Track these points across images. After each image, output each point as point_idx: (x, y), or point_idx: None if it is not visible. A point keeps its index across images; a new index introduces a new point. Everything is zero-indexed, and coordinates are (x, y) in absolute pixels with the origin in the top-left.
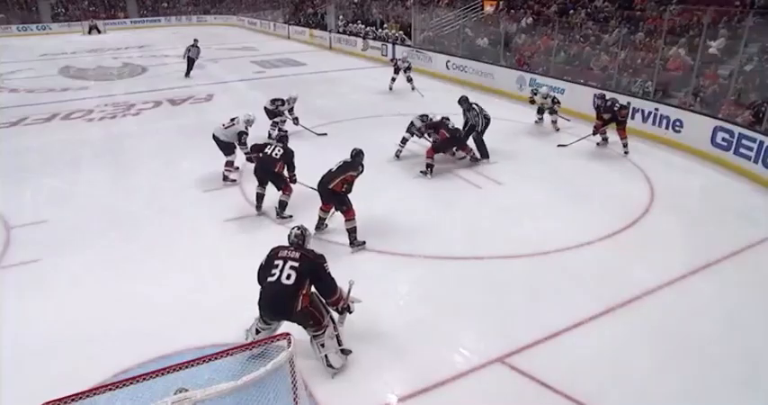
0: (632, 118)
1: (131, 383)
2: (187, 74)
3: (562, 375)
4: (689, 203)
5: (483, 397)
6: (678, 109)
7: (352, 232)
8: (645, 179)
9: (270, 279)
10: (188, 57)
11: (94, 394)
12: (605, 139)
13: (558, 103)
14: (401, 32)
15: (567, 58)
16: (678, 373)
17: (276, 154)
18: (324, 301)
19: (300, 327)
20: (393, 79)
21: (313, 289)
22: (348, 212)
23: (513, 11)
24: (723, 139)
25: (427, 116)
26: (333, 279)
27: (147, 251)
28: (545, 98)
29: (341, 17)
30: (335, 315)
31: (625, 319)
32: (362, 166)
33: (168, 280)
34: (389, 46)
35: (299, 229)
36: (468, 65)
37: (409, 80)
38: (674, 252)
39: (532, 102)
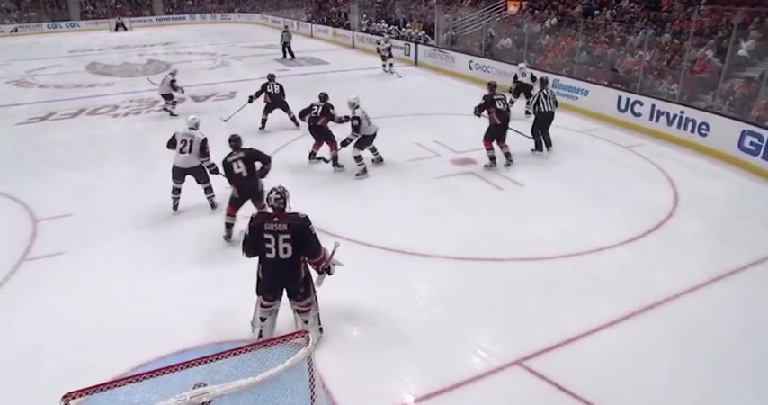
0: (656, 121)
1: (151, 377)
2: (287, 56)
3: (580, 379)
4: (714, 208)
5: (500, 399)
6: (704, 112)
7: (335, 158)
8: (669, 183)
9: (268, 256)
10: (284, 43)
11: (115, 386)
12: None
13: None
14: (423, 32)
15: (590, 60)
16: (697, 380)
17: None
18: (308, 261)
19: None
20: (383, 65)
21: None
22: (332, 144)
23: (537, 11)
24: (751, 143)
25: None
26: (317, 240)
27: (168, 246)
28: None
29: (364, 16)
30: (317, 286)
31: (645, 325)
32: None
33: (188, 275)
34: (412, 45)
35: (277, 192)
36: (491, 65)
37: (384, 59)
38: (697, 258)
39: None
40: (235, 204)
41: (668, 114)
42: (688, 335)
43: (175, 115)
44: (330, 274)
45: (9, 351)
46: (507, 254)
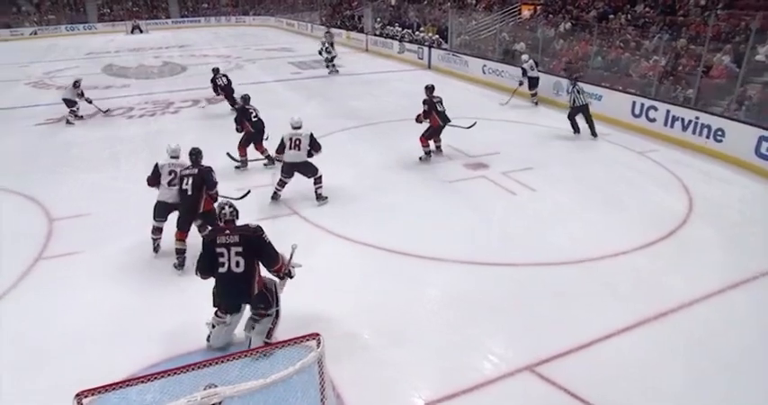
0: (671, 126)
1: (162, 377)
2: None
3: (592, 386)
4: (729, 215)
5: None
6: (720, 118)
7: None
8: (683, 189)
9: (221, 270)
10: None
11: (127, 386)
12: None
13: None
14: (437, 36)
15: (605, 64)
16: (711, 388)
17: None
18: (268, 270)
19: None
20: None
21: (265, 272)
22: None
23: (551, 16)
24: None
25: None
26: (273, 248)
27: None
28: None
29: (378, 19)
30: (279, 292)
31: (659, 332)
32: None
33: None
34: (425, 49)
35: (229, 205)
36: (505, 69)
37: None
38: (711, 264)
39: None
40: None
41: (683, 120)
42: (702, 342)
43: (72, 124)
44: (291, 277)
45: (22, 350)
46: (520, 258)
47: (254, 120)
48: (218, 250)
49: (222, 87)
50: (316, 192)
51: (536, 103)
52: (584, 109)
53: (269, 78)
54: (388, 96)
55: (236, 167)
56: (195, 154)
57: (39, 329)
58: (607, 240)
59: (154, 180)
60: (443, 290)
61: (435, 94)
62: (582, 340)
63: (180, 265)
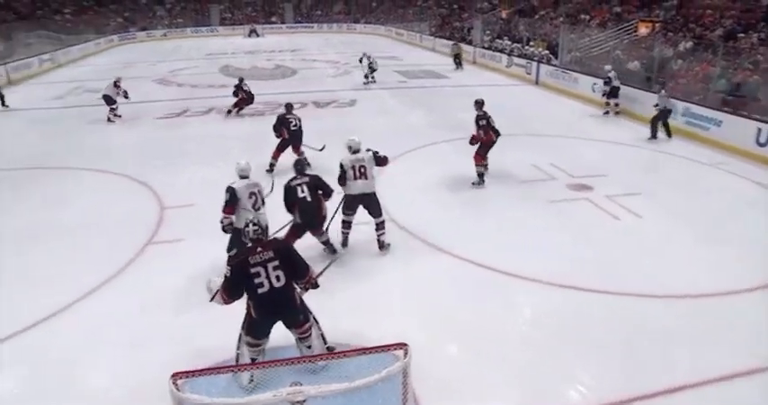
0: None
1: (251, 368)
2: (458, 67)
3: None
4: None
5: None
6: None
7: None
8: None
9: (260, 291)
10: (454, 55)
11: (217, 373)
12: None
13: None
14: (547, 51)
15: (728, 87)
16: None
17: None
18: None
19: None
20: (366, 76)
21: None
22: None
23: (670, 34)
24: None
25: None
26: (302, 258)
27: None
28: None
29: (487, 32)
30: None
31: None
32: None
33: None
34: (534, 64)
35: (254, 224)
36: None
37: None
38: None
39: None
40: (298, 233)
41: None
42: None
43: (112, 121)
44: (315, 288)
45: (124, 331)
46: (619, 288)
47: (293, 129)
48: (254, 270)
49: (247, 93)
50: (378, 239)
51: (617, 113)
52: (668, 113)
53: (375, 85)
54: (492, 110)
55: (267, 170)
56: (300, 165)
57: (141, 311)
58: (718, 277)
59: (232, 207)
60: (535, 310)
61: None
62: (680, 382)
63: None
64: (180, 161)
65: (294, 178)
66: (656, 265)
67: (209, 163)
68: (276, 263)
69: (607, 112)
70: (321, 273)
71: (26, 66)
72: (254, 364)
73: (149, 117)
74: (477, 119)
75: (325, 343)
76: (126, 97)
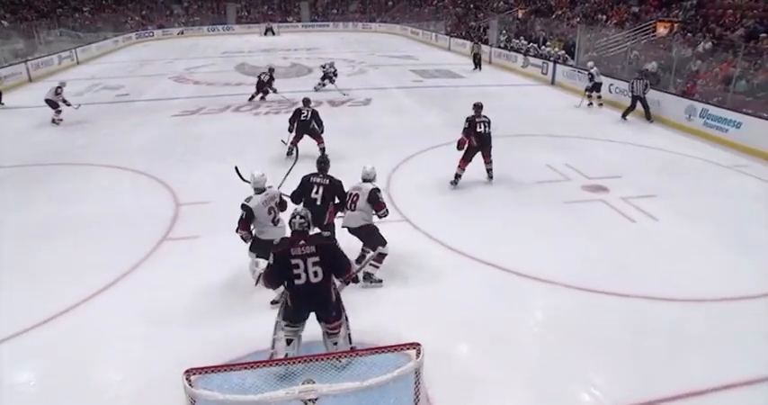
0: None
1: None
2: (477, 67)
3: None
4: None
5: None
6: None
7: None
8: None
9: (297, 282)
10: (474, 54)
11: (230, 370)
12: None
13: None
14: (563, 51)
15: (749, 89)
16: None
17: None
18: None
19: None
20: (321, 83)
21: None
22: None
23: (689, 34)
24: None
25: None
26: (346, 256)
27: None
28: None
29: (503, 32)
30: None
31: None
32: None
33: None
34: (550, 64)
35: (301, 216)
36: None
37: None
38: None
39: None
40: None
41: None
42: None
43: (57, 124)
44: (356, 282)
45: (138, 325)
46: (632, 290)
47: (302, 119)
48: (294, 262)
49: (267, 83)
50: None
51: (600, 105)
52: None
53: (390, 84)
54: (508, 110)
55: (288, 154)
56: (323, 162)
57: (154, 307)
58: (734, 281)
59: (247, 225)
60: (548, 312)
61: (481, 113)
62: (695, 387)
63: None
64: (195, 158)
65: (315, 174)
66: (671, 268)
67: (224, 160)
68: (316, 259)
69: (590, 104)
70: (360, 268)
71: (46, 63)
72: (269, 361)
73: (165, 114)
74: (465, 121)
75: (351, 343)
76: (67, 104)
